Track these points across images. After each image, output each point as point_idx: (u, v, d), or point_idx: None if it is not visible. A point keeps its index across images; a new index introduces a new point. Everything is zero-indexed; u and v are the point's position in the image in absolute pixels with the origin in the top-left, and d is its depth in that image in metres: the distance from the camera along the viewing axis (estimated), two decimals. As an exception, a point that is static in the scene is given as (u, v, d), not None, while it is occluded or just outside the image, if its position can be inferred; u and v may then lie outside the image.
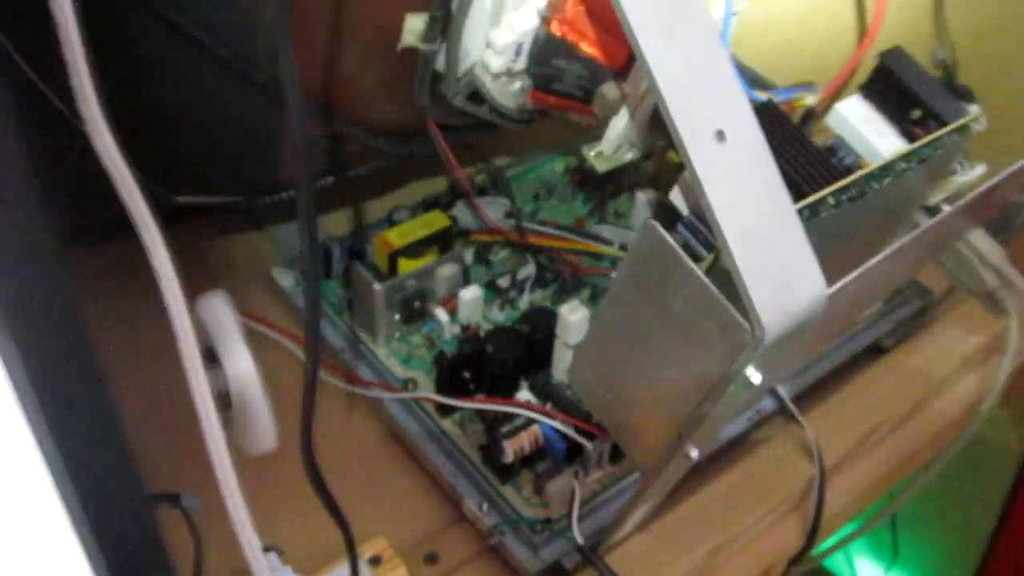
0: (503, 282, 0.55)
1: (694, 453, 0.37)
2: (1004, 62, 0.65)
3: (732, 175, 0.30)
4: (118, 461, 0.21)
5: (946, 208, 0.45)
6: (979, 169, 0.47)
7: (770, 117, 0.37)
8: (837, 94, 0.50)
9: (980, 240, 0.49)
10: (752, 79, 0.44)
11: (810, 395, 0.54)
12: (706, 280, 0.31)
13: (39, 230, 0.18)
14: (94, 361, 0.20)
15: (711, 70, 0.31)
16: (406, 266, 0.52)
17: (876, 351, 0.58)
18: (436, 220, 0.54)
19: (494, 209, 0.57)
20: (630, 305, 0.36)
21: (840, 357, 0.55)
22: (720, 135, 0.30)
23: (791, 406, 0.51)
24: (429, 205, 0.57)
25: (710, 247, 0.33)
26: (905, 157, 0.39)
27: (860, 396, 0.55)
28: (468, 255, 0.56)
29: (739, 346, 0.31)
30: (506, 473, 0.47)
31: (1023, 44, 0.65)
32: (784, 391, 0.52)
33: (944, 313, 0.60)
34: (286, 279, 0.57)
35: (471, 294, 0.53)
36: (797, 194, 0.35)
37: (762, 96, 0.40)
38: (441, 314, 0.53)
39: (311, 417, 0.33)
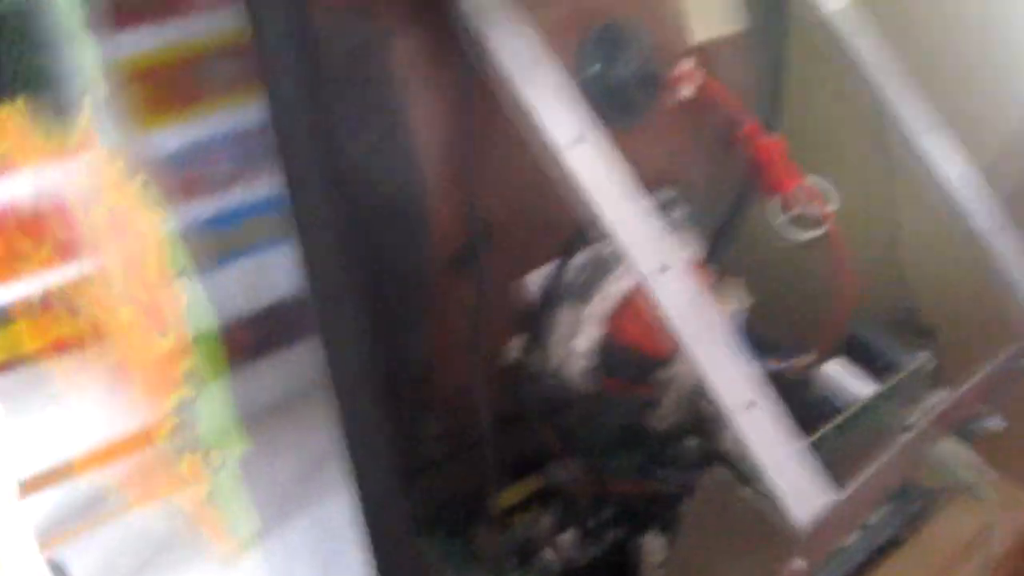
0: (591, 522, 0.70)
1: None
2: (956, 301, 0.82)
3: (763, 431, 0.46)
4: None
5: (917, 424, 0.60)
6: (941, 394, 0.63)
7: (782, 381, 0.53)
8: (826, 351, 0.66)
9: (952, 445, 0.64)
10: (768, 344, 0.60)
11: (849, 584, 0.67)
12: (759, 503, 0.47)
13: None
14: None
15: (736, 361, 0.48)
16: (519, 519, 0.67)
17: (895, 543, 0.72)
18: (534, 482, 0.70)
19: (576, 466, 0.72)
20: (703, 526, 0.51)
21: (868, 551, 0.69)
22: (751, 404, 0.47)
23: (835, 595, 0.65)
24: (522, 470, 0.73)
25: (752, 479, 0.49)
26: (877, 397, 0.55)
27: (887, 581, 0.69)
28: (560, 504, 0.71)
29: (784, 543, 0.46)
30: None
31: (969, 280, 0.82)
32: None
33: (943, 507, 0.74)
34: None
35: (569, 536, 0.68)
36: (808, 431, 0.51)
37: (777, 364, 0.56)
38: (549, 554, 0.67)
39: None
